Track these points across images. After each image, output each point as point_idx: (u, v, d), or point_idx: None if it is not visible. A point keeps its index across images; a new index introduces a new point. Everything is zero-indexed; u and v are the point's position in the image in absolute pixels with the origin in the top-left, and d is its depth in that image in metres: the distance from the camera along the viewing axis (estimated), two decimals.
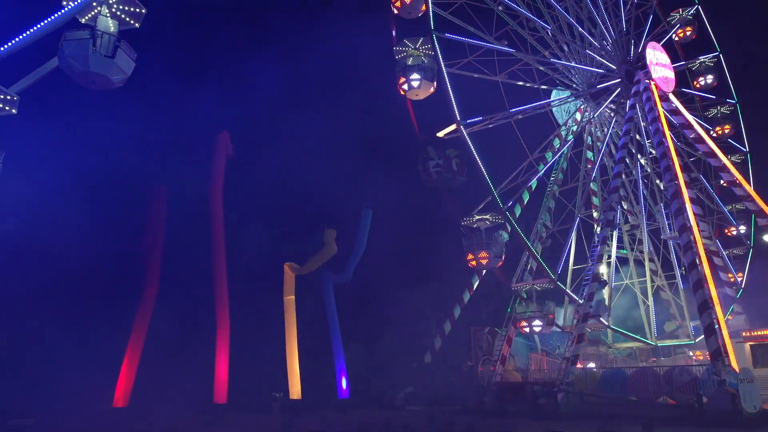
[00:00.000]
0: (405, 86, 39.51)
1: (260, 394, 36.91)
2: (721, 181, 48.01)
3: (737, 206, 50.90)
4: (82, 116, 38.85)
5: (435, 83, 39.19)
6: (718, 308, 29.75)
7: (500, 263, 40.10)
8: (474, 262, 39.59)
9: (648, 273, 50.57)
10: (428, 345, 47.15)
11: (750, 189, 45.64)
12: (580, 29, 46.32)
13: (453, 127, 38.54)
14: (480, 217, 39.42)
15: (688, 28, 55.97)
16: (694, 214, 35.20)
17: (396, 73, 39.82)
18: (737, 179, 45.29)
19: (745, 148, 54.30)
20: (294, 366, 35.25)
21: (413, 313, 58.29)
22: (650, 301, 48.62)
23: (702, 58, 55.78)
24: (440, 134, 39.41)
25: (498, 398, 36.19)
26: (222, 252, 37.58)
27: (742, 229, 52.10)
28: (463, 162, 38.72)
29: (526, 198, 45.57)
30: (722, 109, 55.45)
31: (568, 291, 41.82)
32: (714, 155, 46.03)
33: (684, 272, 49.45)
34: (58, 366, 33.86)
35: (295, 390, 34.76)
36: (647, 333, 48.61)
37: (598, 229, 50.29)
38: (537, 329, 39.58)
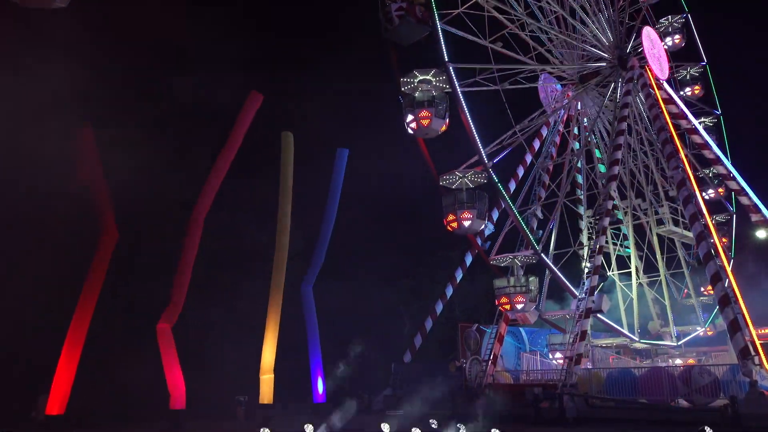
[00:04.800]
0: None
1: (224, 398, 32.41)
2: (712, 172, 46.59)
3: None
4: None
5: None
6: (741, 302, 27.19)
7: (444, 127, 35.60)
8: (414, 124, 35.11)
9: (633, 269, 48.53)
10: (407, 344, 43.37)
11: (743, 183, 44.06)
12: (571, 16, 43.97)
13: None
14: (423, 77, 35.43)
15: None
16: (704, 201, 32.94)
17: None
18: (732, 173, 43.69)
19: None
20: (267, 365, 30.76)
21: (388, 310, 54.77)
22: (635, 297, 46.43)
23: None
24: None
25: (492, 402, 32.66)
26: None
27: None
28: (429, 12, 34.93)
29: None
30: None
31: (550, 264, 37.88)
32: (707, 147, 44.38)
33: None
34: None
35: (266, 393, 30.29)
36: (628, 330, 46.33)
37: (582, 209, 48.05)
38: (519, 306, 35.84)
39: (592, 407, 29.55)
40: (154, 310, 31.45)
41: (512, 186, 43.78)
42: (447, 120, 35.41)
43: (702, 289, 48.14)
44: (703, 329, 46.35)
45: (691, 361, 41.58)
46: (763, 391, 23.53)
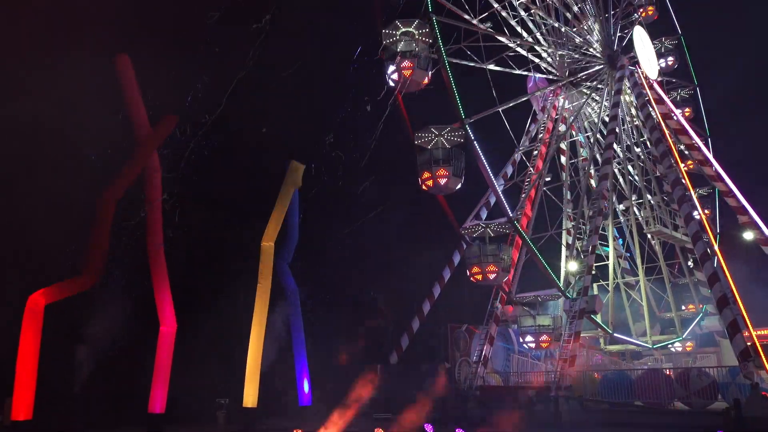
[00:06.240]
0: None
1: (205, 401, 30.82)
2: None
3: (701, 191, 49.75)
4: None
5: None
6: (740, 303, 26.70)
7: (426, 80, 34.68)
8: (396, 75, 34.08)
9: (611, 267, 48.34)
10: (394, 345, 42.25)
11: (731, 184, 43.97)
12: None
13: None
14: (405, 29, 34.56)
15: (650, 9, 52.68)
16: (699, 201, 32.57)
17: None
18: (719, 173, 43.63)
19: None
20: (253, 367, 29.27)
21: (372, 309, 53.69)
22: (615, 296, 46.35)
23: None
24: None
25: (483, 405, 31.80)
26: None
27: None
28: None
29: None
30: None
31: (524, 235, 36.51)
32: (696, 148, 44.26)
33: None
34: None
35: (250, 396, 28.82)
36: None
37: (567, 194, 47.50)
38: (492, 276, 34.52)
39: (587, 410, 28.89)
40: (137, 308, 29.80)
41: (500, 183, 43.05)
42: (429, 73, 34.47)
43: (683, 306, 48.07)
44: (682, 343, 46.22)
45: (668, 372, 40.80)
46: (766, 393, 22.98)
